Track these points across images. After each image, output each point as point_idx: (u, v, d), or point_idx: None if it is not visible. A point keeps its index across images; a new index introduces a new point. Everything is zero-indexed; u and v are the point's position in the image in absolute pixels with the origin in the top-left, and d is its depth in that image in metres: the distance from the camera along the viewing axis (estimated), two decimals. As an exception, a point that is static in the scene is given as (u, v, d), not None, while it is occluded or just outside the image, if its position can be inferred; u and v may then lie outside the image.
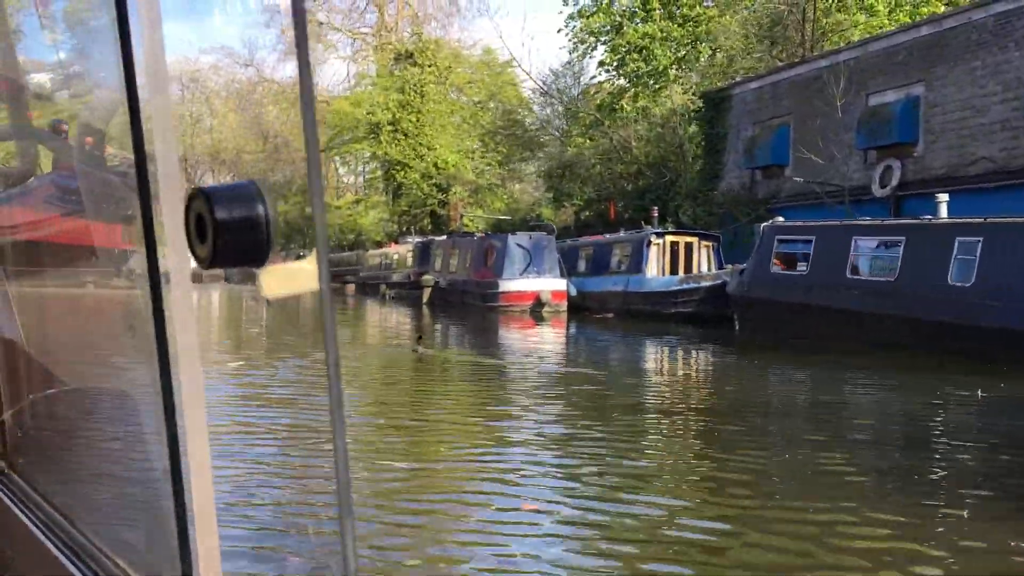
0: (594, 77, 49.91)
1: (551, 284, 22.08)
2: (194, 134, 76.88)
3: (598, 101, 41.67)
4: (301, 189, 75.78)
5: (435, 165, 45.19)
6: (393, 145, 47.56)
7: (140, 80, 0.81)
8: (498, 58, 60.49)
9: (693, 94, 35.00)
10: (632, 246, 21.28)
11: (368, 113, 49.62)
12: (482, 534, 4.11)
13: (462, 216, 40.10)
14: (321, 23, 69.49)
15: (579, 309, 22.17)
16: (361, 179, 74.53)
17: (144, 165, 0.76)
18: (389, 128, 47.32)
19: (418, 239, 37.05)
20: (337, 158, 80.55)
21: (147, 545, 1.15)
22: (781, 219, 16.54)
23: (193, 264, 0.74)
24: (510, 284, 22.30)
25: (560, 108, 49.48)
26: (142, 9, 0.76)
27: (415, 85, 47.44)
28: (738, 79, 26.31)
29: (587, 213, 32.96)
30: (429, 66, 48.49)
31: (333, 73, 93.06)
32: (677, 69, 36.66)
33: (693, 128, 29.17)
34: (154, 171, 0.76)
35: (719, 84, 30.48)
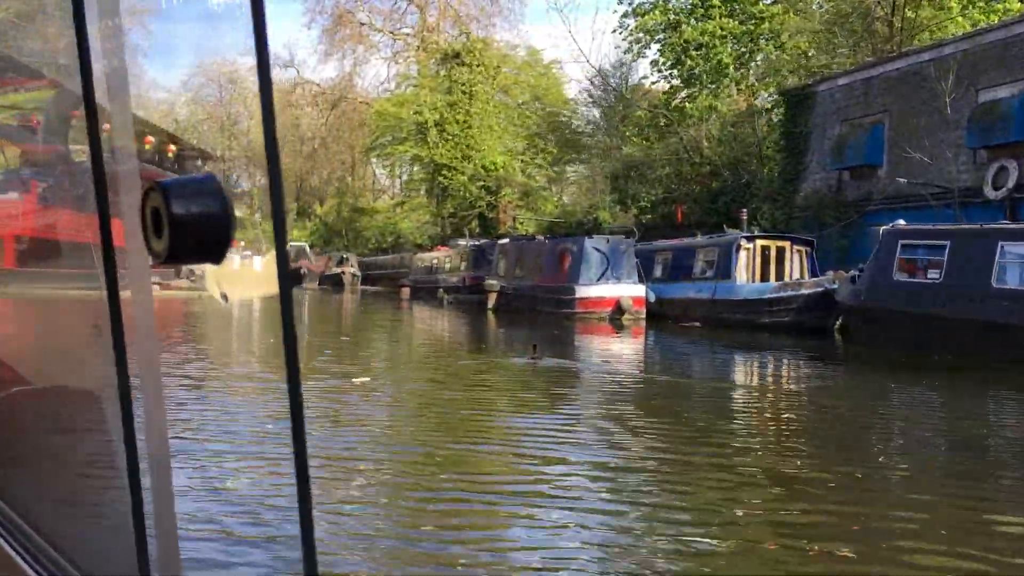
0: (644, 77, 48.95)
1: (632, 290, 20.95)
2: (231, 136, 76.79)
3: (659, 100, 40.55)
4: (340, 191, 75.61)
5: (484, 167, 44.21)
6: (440, 147, 46.67)
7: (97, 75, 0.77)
8: (542, 59, 59.69)
9: (754, 93, 33.90)
10: (719, 250, 20.10)
11: (415, 113, 48.75)
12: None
13: (515, 219, 39.03)
14: (362, 23, 69.13)
15: (657, 317, 21.04)
16: (399, 181, 73.89)
17: (100, 160, 0.72)
18: (436, 130, 46.41)
19: (472, 242, 36.09)
20: (375, 160, 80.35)
21: (107, 547, 1.12)
22: (902, 222, 15.30)
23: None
24: (588, 290, 21.21)
25: (613, 108, 48.51)
26: (102, 4, 0.76)
27: (463, 85, 46.51)
28: (821, 76, 25.01)
29: (649, 216, 31.79)
30: (477, 66, 47.54)
31: (374, 74, 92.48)
32: (736, 68, 35.49)
33: (770, 127, 27.99)
34: (114, 167, 0.76)
35: (794, 81, 29.38)
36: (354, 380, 8.07)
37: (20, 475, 1.57)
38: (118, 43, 0.79)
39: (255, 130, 77.03)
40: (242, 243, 64.78)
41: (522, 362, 11.47)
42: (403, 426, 6.56)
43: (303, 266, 49.03)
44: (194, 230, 0.65)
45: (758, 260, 19.86)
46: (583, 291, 21.27)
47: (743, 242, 19.66)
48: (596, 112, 49.63)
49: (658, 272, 22.38)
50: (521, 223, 41.95)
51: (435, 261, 38.21)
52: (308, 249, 52.88)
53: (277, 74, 76.46)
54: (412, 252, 45.39)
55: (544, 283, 22.94)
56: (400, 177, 72.91)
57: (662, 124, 36.54)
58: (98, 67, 0.80)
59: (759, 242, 19.95)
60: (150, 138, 42.16)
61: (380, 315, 24.27)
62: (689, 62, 36.22)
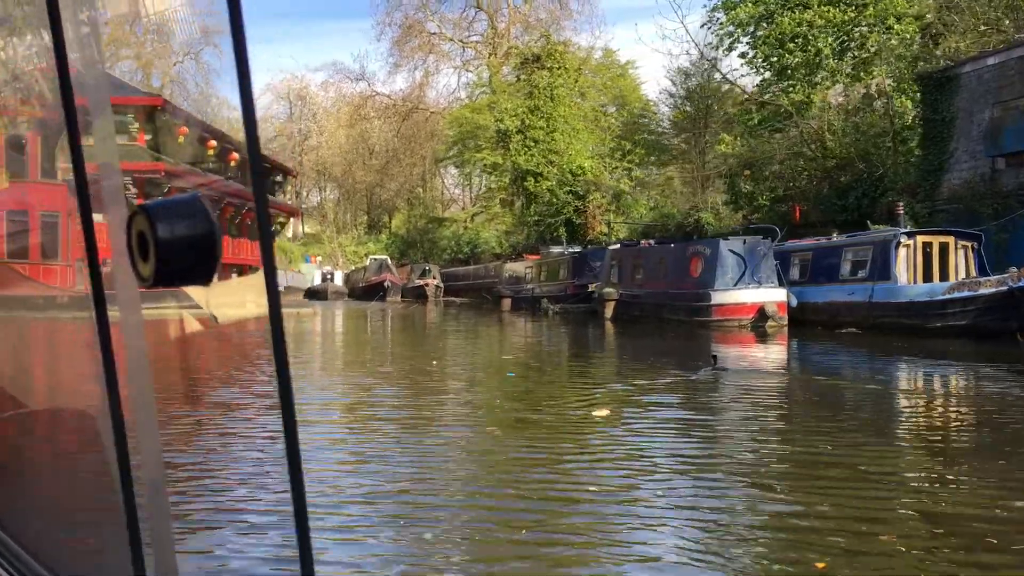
0: (730, 72, 47.21)
1: (775, 295, 19.35)
2: (302, 152, 76.99)
3: (752, 95, 38.88)
4: (412, 202, 75.15)
5: (571, 172, 42.90)
6: (522, 153, 45.53)
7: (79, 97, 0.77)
8: (618, 60, 58.27)
9: (859, 81, 31.89)
10: (874, 249, 18.37)
11: (496, 120, 47.71)
12: None
13: (608, 224, 37.60)
14: (432, 33, 68.64)
15: (798, 323, 19.39)
16: (474, 191, 73.07)
17: (84, 184, 0.72)
18: (519, 136, 45.29)
19: (570, 249, 34.81)
20: (444, 170, 79.80)
21: (104, 569, 1.13)
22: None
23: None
24: (725, 296, 19.68)
25: (698, 107, 46.85)
26: (80, 28, 0.77)
27: (545, 89, 45.32)
28: (959, 58, 23.06)
29: (757, 215, 30.05)
30: (558, 68, 46.32)
31: (444, 84, 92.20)
32: (836, 58, 33.59)
33: (891, 115, 26.05)
34: (99, 189, 0.75)
35: (899, 67, 27.52)
36: (595, 413, 6.80)
37: (12, 499, 1.49)
38: (98, 60, 0.77)
39: (325, 145, 77.32)
40: (319, 258, 64.54)
41: (703, 374, 10.24)
42: (722, 463, 5.26)
43: (386, 279, 48.41)
44: (181, 252, 0.63)
45: (919, 258, 18.09)
46: (720, 297, 19.75)
47: (903, 239, 17.92)
48: (681, 111, 48.03)
49: (795, 274, 20.73)
50: (614, 228, 40.51)
51: (528, 270, 36.99)
52: (390, 262, 52.23)
53: (348, 88, 76.67)
54: (501, 261, 44.22)
55: (671, 290, 21.48)
56: (473, 186, 72.18)
57: (766, 119, 34.83)
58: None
59: (920, 238, 18.17)
60: (235, 155, 42.14)
61: (494, 330, 23.06)
62: (787, 55, 34.52)
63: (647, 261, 23.53)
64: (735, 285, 19.79)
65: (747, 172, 29.04)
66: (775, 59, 35.59)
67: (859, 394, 9.26)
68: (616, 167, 43.72)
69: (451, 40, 67.90)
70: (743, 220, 31.94)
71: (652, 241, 26.86)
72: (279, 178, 50.33)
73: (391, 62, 79.46)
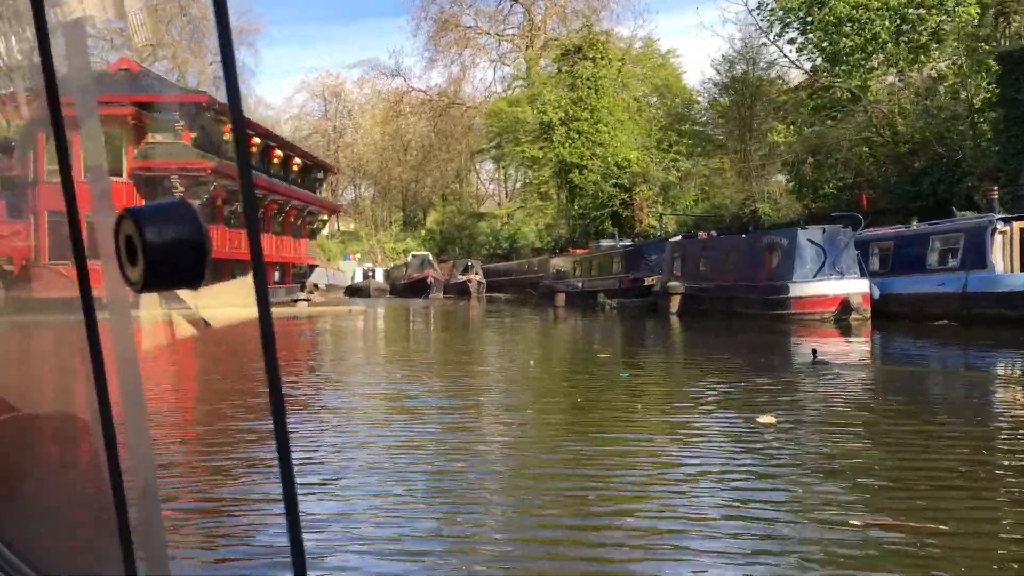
0: (776, 60, 46.06)
1: (858, 286, 18.42)
2: (337, 149, 76.73)
3: (804, 83, 37.83)
4: (449, 198, 74.63)
5: (616, 164, 42.01)
6: (566, 145, 44.71)
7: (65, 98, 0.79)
8: (659, 49, 57.17)
9: (920, 63, 30.71)
10: (967, 236, 17.37)
11: (539, 112, 46.92)
12: None
13: (660, 216, 36.68)
14: (468, 27, 67.99)
15: (880, 315, 18.45)
16: (508, 186, 72.37)
17: (71, 186, 0.72)
18: (564, 128, 44.46)
19: (622, 242, 33.98)
20: (479, 164, 79.19)
21: (93, 569, 1.12)
22: None
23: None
24: (805, 288, 18.78)
25: (742, 95, 45.69)
26: (66, 28, 0.78)
27: (589, 80, 44.45)
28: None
29: (819, 204, 29.02)
30: (601, 59, 45.42)
31: (480, 78, 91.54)
32: (894, 42, 32.38)
33: (957, 98, 24.97)
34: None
35: (958, 48, 26.27)
36: (760, 420, 6.07)
37: (3, 506, 1.50)
38: (83, 59, 0.79)
39: (360, 142, 76.99)
40: (358, 255, 64.02)
41: (809, 367, 9.76)
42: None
43: (429, 276, 47.87)
44: (169, 257, 0.64)
45: (1016, 246, 17.07)
46: (799, 289, 18.86)
47: (1000, 225, 16.91)
48: (727, 99, 46.89)
49: (874, 265, 19.76)
50: (656, 220, 39.59)
51: (577, 264, 36.20)
52: (431, 258, 51.69)
53: (383, 84, 76.31)
54: (546, 256, 43.45)
55: (744, 282, 20.60)
56: (510, 181, 71.43)
57: (822, 106, 33.80)
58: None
59: (1016, 224, 17.15)
60: (278, 152, 41.81)
61: (562, 327, 22.35)
62: (843, 39, 33.39)
63: (715, 253, 22.67)
64: (815, 277, 18.89)
65: (810, 160, 28.00)
66: (827, 44, 34.51)
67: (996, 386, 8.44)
68: (662, 158, 42.74)
69: (487, 33, 67.22)
70: (803, 209, 30.92)
71: (713, 232, 25.94)
72: (319, 175, 49.90)
73: (427, 57, 79.00)
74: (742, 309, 20.39)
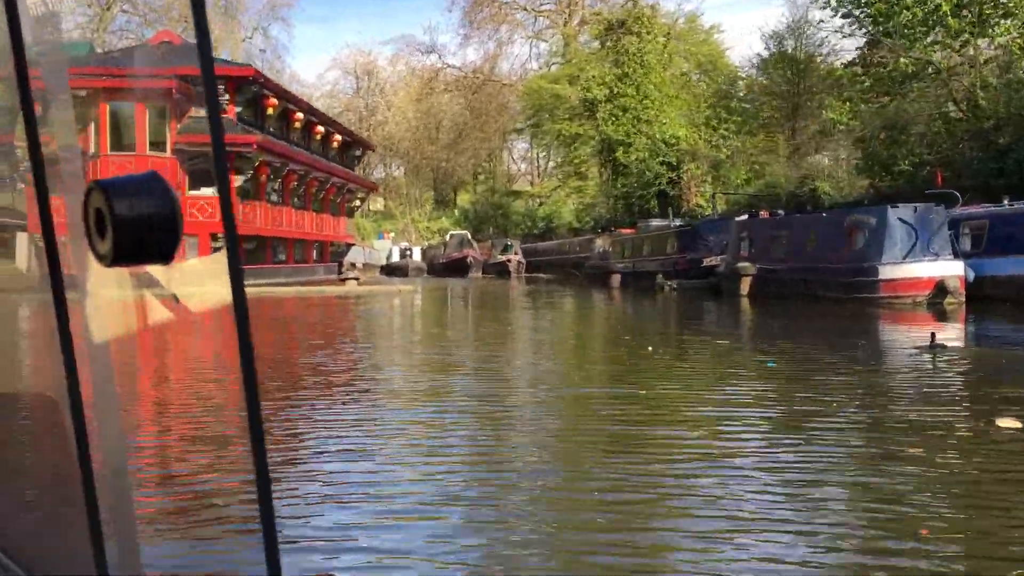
0: (827, 36, 44.74)
1: (953, 268, 17.40)
2: (369, 127, 75.92)
3: (859, 59, 36.48)
4: (483, 176, 73.73)
5: (664, 141, 40.87)
6: (610, 122, 43.61)
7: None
8: (702, 25, 55.76)
9: (988, 36, 29.34)
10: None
11: (583, 89, 45.82)
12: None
13: (714, 195, 35.60)
14: (504, 2, 66.70)
15: (974, 299, 17.44)
16: (542, 164, 71.28)
17: (40, 164, 0.71)
18: (610, 104, 43.33)
19: (675, 222, 32.98)
20: (512, 143, 78.15)
21: (64, 555, 1.14)
22: None
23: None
24: (896, 270, 17.77)
25: (793, 69, 44.32)
26: (37, 3, 0.77)
27: (635, 55, 43.24)
28: None
29: (888, 182, 27.86)
30: (647, 33, 44.18)
31: (516, 54, 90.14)
32: (955, 15, 30.98)
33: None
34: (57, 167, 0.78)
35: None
36: (1001, 424, 5.21)
37: None
38: (55, 35, 0.76)
39: (392, 120, 76.11)
40: (392, 234, 63.25)
41: (927, 353, 9.04)
42: None
43: (468, 256, 47.13)
44: (140, 231, 0.62)
45: None
46: (889, 271, 17.85)
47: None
48: (777, 75, 45.51)
49: (965, 245, 18.70)
50: (706, 199, 38.51)
51: (625, 245, 35.23)
52: (470, 237, 50.91)
53: (417, 61, 75.33)
54: (590, 236, 42.50)
55: (824, 264, 19.60)
56: (548, 159, 70.28)
57: (880, 80, 32.57)
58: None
59: None
60: (319, 128, 41.06)
61: (631, 309, 21.51)
62: (904, 11, 32.01)
63: (789, 233, 21.65)
64: (905, 258, 17.87)
65: (881, 135, 26.84)
66: (883, 19, 33.17)
67: None
68: (712, 135, 41.57)
69: (524, 9, 65.95)
70: (868, 188, 29.78)
71: (780, 212, 24.90)
72: (358, 152, 49.15)
73: (462, 34, 77.82)
74: (822, 292, 19.41)
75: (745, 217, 24.90)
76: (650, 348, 9.79)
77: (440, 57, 73.81)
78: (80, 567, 0.86)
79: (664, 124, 41.73)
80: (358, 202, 50.19)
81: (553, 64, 63.84)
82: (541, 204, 62.89)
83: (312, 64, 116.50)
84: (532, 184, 72.25)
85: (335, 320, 17.01)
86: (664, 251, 30.84)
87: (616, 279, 30.81)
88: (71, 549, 1.00)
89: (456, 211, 69.57)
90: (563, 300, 24.64)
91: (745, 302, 21.30)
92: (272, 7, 72.55)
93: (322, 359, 9.25)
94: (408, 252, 50.49)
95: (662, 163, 40.74)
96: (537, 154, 73.59)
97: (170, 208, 0.63)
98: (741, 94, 50.14)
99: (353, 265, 44.26)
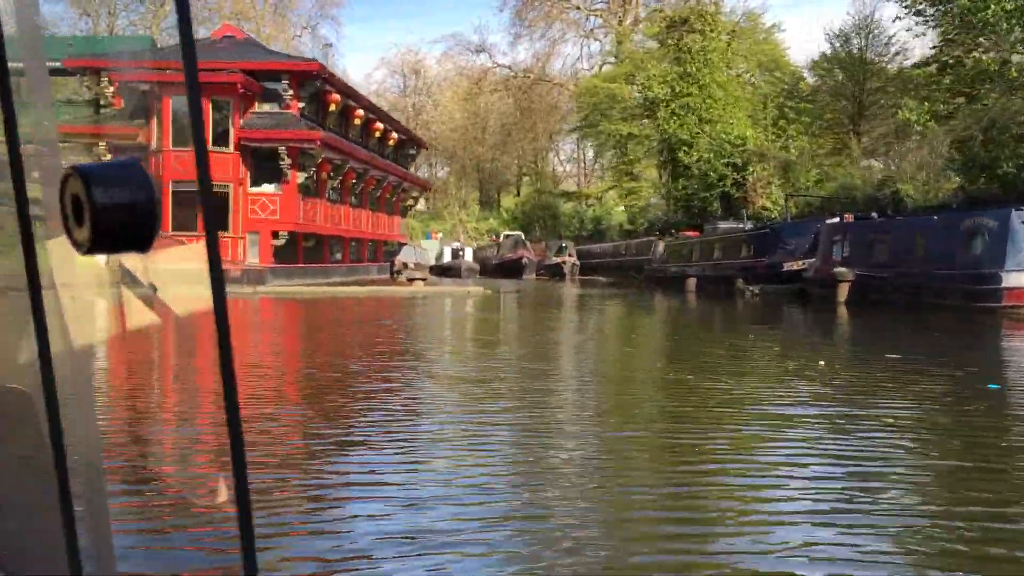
0: (895, 34, 43.41)
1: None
2: (416, 127, 75.46)
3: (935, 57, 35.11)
4: (519, 176, 72.95)
5: (729, 142, 39.65)
6: (671, 122, 42.44)
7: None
8: (762, 24, 54.48)
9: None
10: None
11: (644, 88, 44.73)
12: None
13: (787, 197, 34.35)
14: (557, 1, 65.72)
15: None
16: (599, 165, 70.05)
17: (18, 159, 0.71)
18: (673, 103, 42.15)
19: (747, 226, 31.86)
20: (558, 144, 77.18)
21: (38, 553, 1.15)
22: None
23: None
24: (1021, 277, 16.58)
25: (857, 69, 42.90)
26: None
27: (699, 53, 42.04)
28: None
29: (981, 185, 26.46)
30: (711, 31, 42.98)
31: (567, 53, 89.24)
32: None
33: None
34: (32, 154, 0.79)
35: None
36: None
37: None
38: (34, 30, 0.79)
39: (439, 120, 75.55)
40: (439, 234, 62.60)
41: None
42: None
43: (523, 256, 46.32)
44: (118, 218, 0.62)
45: None
46: (1015, 279, 16.64)
47: None
48: (843, 74, 44.11)
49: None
50: (772, 201, 37.25)
51: (693, 248, 34.13)
52: (524, 238, 50.07)
53: (466, 60, 74.66)
54: (650, 238, 41.38)
55: (937, 270, 18.41)
56: (603, 159, 69.10)
57: (960, 79, 31.26)
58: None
59: None
60: (378, 125, 40.42)
61: (727, 316, 20.49)
62: (994, 6, 30.60)
63: (893, 236, 20.48)
64: (1033, 265, 16.68)
65: (980, 137, 25.48)
66: (968, 14, 31.80)
67: None
68: (779, 136, 40.29)
69: (576, 8, 64.95)
70: (957, 191, 28.39)
71: (874, 215, 23.70)
72: (412, 151, 48.53)
73: (512, 33, 76.91)
74: (935, 299, 18.22)
75: (836, 220, 23.69)
76: (822, 363, 8.79)
77: (490, 56, 72.95)
78: (53, 565, 0.84)
79: (730, 124, 40.51)
80: (411, 201, 49.54)
81: (606, 64, 62.81)
82: (591, 205, 61.88)
83: (359, 63, 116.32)
84: (578, 185, 71.27)
85: (438, 323, 16.24)
86: (738, 255, 29.71)
87: (692, 283, 29.68)
88: (45, 547, 0.97)
89: (504, 211, 68.80)
90: (646, 305, 23.64)
91: (843, 309, 20.19)
92: (321, 6, 72.44)
93: (477, 366, 8.43)
94: (461, 252, 49.72)
95: (727, 164, 39.54)
96: (584, 155, 72.59)
97: (149, 196, 0.62)
98: (805, 94, 48.81)
99: (405, 265, 43.57)
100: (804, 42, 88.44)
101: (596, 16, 65.51)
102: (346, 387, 7.33)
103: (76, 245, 0.62)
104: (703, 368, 8.84)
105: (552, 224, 61.32)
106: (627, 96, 49.70)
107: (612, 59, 61.25)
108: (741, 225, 31.69)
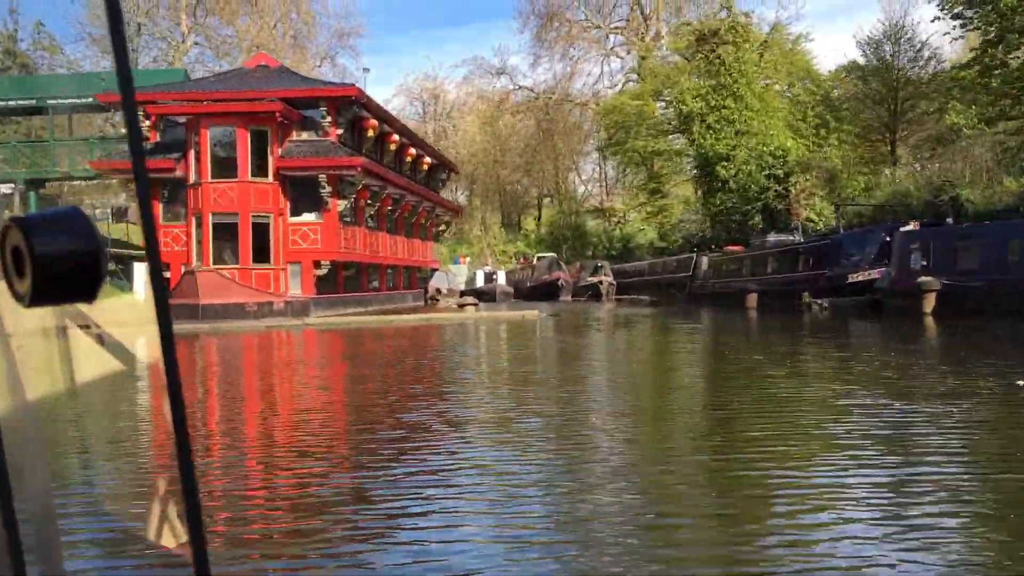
0: (929, 38, 42.68)
1: None
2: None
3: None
4: (540, 198, 72.22)
5: (771, 154, 38.80)
6: (709, 136, 41.66)
7: None
8: (789, 35, 53.80)
9: None
10: None
11: (677, 102, 44.02)
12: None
13: (839, 207, 33.39)
14: (576, 21, 65.34)
15: None
16: (624, 183, 69.26)
17: None
18: (707, 117, 41.38)
19: (797, 238, 30.93)
20: (579, 164, 76.50)
21: None
22: None
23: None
24: None
25: (890, 74, 42.08)
26: None
27: (733, 64, 41.33)
28: None
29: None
30: (744, 42, 42.31)
31: (588, 72, 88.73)
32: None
33: None
34: None
35: None
36: None
37: None
38: None
39: (460, 144, 75.06)
40: (467, 258, 61.71)
41: None
42: None
43: (560, 278, 45.47)
44: (61, 268, 0.60)
45: None
46: None
47: None
48: (877, 81, 43.28)
49: None
50: (815, 214, 36.32)
51: (740, 263, 33.16)
52: (558, 260, 49.24)
53: (487, 83, 74.21)
54: (692, 254, 40.42)
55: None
56: (621, 178, 68.35)
57: (1006, 80, 30.44)
58: None
59: None
60: (412, 151, 39.80)
61: (796, 335, 19.51)
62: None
63: (982, 244, 19.50)
64: None
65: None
66: (1012, 12, 31.06)
67: None
68: (821, 145, 39.45)
69: (597, 27, 64.54)
70: (1020, 193, 27.43)
71: (951, 220, 22.76)
72: (444, 175, 47.92)
73: (533, 54, 76.58)
74: (1035, 309, 17.21)
75: (909, 228, 22.73)
76: (1021, 383, 7.84)
77: (511, 79, 72.53)
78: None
79: (770, 135, 39.69)
80: (443, 226, 48.87)
81: (629, 81, 62.23)
82: (618, 223, 61.03)
83: (377, 92, 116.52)
84: (601, 204, 70.49)
85: (509, 351, 15.34)
86: (795, 268, 28.75)
87: (753, 299, 28.70)
88: None
89: (531, 233, 68.05)
90: (695, 324, 22.68)
91: (931, 321, 19.19)
92: (340, 35, 72.41)
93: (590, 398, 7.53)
94: (494, 276, 48.89)
95: (768, 176, 38.68)
96: (605, 174, 71.90)
97: (93, 245, 0.60)
98: (839, 103, 48.05)
99: (439, 291, 42.72)
100: (839, 52, 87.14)
101: (617, 34, 65.08)
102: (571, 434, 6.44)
103: (17, 298, 0.59)
104: (869, 390, 7.93)
105: (579, 244, 60.51)
106: (654, 113, 49.04)
107: (634, 76, 60.68)
108: (793, 238, 30.73)
